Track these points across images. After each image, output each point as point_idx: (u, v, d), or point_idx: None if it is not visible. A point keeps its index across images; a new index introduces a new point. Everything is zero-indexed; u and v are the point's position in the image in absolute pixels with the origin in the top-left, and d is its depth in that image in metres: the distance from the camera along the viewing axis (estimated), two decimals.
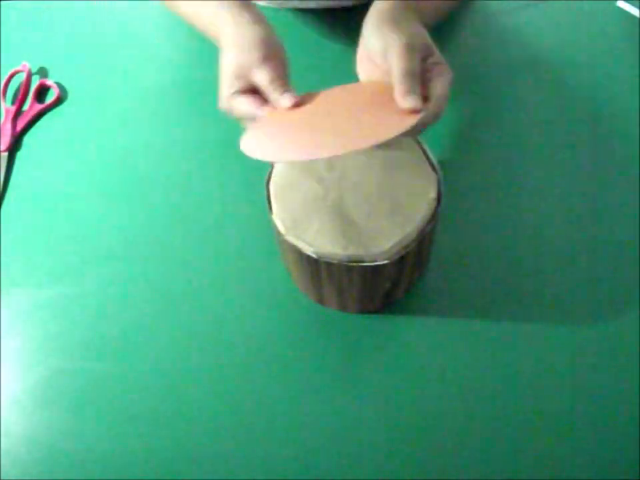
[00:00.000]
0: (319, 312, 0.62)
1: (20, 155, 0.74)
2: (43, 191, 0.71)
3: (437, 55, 0.53)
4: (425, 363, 0.59)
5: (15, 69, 0.79)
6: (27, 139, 0.75)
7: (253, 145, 0.49)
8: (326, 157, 0.44)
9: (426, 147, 0.57)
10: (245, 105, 0.53)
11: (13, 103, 0.77)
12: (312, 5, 0.79)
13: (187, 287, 0.64)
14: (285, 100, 0.51)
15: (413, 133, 0.52)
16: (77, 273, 0.65)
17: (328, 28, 0.81)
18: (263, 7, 0.83)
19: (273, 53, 0.54)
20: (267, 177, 0.57)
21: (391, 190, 0.54)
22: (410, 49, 0.51)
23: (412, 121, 0.47)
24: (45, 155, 0.74)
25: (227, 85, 0.54)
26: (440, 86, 0.51)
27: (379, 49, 0.53)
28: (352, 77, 0.78)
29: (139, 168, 0.72)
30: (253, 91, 0.53)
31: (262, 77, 0.52)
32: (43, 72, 0.80)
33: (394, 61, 0.50)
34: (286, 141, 0.47)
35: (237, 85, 0.53)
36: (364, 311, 0.62)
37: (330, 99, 0.52)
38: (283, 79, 0.53)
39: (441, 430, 0.56)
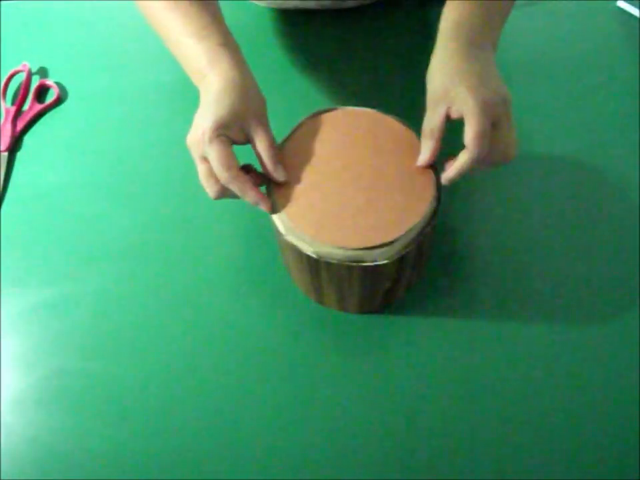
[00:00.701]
0: (319, 312, 0.62)
1: (20, 155, 0.74)
2: (42, 191, 0.71)
3: (462, 99, 0.50)
4: (425, 362, 0.59)
5: (15, 68, 0.79)
6: (27, 139, 0.75)
7: (296, 213, 0.52)
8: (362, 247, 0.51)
9: None
10: (229, 158, 0.50)
11: (13, 103, 0.77)
12: (312, 5, 0.79)
13: (186, 287, 0.64)
14: (278, 176, 0.53)
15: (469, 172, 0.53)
16: (77, 272, 0.65)
17: (328, 29, 0.80)
18: (263, 8, 0.83)
19: (266, 115, 0.54)
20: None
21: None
22: (431, 104, 0.52)
23: (424, 206, 0.53)
24: (45, 155, 0.74)
25: (220, 122, 0.50)
26: (468, 135, 0.50)
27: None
28: (351, 78, 0.77)
29: (138, 168, 0.72)
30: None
31: (262, 139, 0.52)
32: (42, 72, 0.80)
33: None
34: (326, 224, 0.52)
35: (229, 130, 0.51)
36: (364, 311, 0.61)
37: (356, 159, 0.55)
38: (275, 148, 0.53)
39: (441, 429, 0.56)
